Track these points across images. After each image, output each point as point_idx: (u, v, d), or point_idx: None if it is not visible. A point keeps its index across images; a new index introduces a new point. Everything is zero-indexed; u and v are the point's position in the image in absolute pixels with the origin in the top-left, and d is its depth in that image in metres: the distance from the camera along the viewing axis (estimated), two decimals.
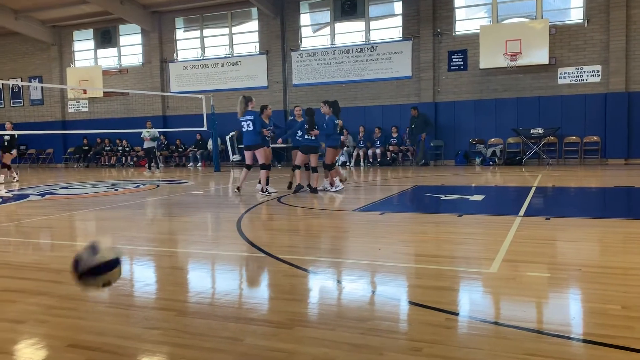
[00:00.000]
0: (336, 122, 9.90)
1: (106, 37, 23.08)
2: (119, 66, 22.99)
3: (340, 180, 10.35)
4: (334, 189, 10.11)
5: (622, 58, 15.80)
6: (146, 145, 17.42)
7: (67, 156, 23.79)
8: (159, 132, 18.01)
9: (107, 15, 21.33)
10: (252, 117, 9.76)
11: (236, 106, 9.95)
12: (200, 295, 3.91)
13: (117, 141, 22.63)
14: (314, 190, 9.96)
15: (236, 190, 10.08)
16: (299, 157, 10.08)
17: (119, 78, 22.84)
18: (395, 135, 18.08)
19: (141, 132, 17.36)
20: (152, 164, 17.35)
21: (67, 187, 12.95)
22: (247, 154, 9.99)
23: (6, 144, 14.21)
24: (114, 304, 3.74)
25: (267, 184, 9.88)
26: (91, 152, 23.05)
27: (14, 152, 14.49)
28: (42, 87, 24.24)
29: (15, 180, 14.19)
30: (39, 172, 20.01)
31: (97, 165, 22.84)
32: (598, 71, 16.23)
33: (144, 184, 13.17)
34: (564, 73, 16.55)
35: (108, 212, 8.41)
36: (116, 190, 12.13)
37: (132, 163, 21.96)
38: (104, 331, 3.17)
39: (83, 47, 23.78)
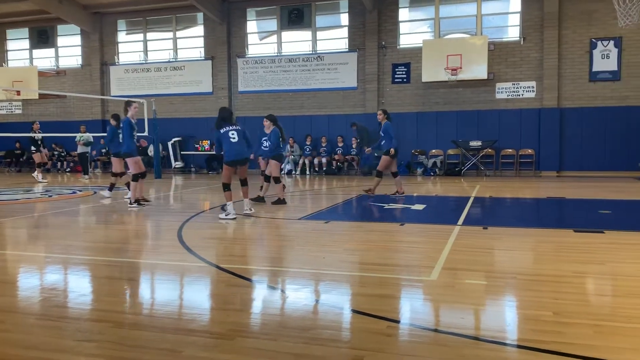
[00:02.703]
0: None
1: (43, 37, 22.14)
2: (56, 67, 22.11)
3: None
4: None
5: (555, 75, 16.64)
6: (80, 150, 16.83)
7: None
8: (93, 136, 17.37)
9: (44, 14, 20.50)
10: (122, 124, 9.43)
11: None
12: (139, 306, 3.78)
13: (53, 145, 21.70)
14: (260, 199, 9.66)
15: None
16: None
17: (56, 80, 21.94)
18: (341, 144, 18.24)
19: (75, 137, 16.76)
20: (90, 169, 16.76)
21: None
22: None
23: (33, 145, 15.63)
24: (45, 315, 3.57)
25: (139, 196, 9.41)
26: (24, 157, 21.96)
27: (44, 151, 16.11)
28: None
29: None
30: None
31: (30, 170, 21.77)
32: (533, 87, 17.01)
33: (80, 190, 12.66)
34: (502, 88, 17.24)
35: (41, 220, 8.03)
36: (50, 196, 11.61)
37: (68, 169, 21.10)
38: (34, 345, 3.02)
39: (17, 46, 22.71)
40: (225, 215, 7.86)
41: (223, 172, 8.20)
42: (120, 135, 9.55)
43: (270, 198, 9.76)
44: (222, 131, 7.98)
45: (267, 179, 9.89)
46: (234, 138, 7.95)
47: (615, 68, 16.20)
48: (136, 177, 9.27)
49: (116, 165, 10.33)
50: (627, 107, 16.15)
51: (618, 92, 16.26)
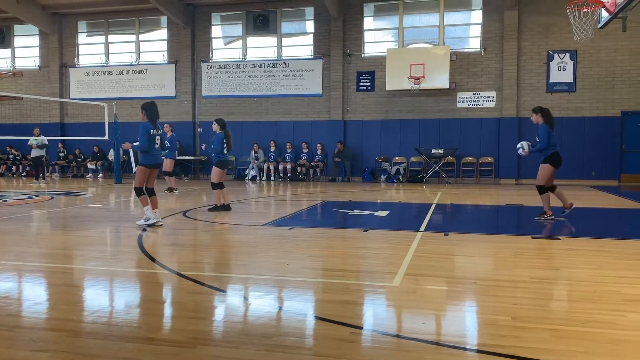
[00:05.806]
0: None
1: None
2: (12, 68, 21.42)
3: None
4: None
5: (514, 86, 17.11)
6: (34, 153, 16.23)
7: None
8: (48, 139, 16.83)
9: (0, 14, 19.85)
10: None
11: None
12: (96, 314, 3.68)
13: (8, 149, 20.99)
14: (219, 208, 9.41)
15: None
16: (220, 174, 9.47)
17: (12, 81, 21.26)
18: (305, 150, 18.27)
19: (28, 140, 16.22)
20: (40, 174, 16.20)
21: None
22: None
23: None
24: None
25: None
26: None
27: None
28: None
29: None
30: None
31: None
32: (493, 97, 17.43)
33: (36, 195, 12.28)
34: (463, 97, 17.61)
35: None
36: (5, 201, 11.21)
37: (24, 173, 20.42)
38: None
39: None
40: (145, 221, 7.51)
41: (138, 176, 7.59)
42: None
43: (232, 204, 9.65)
44: (151, 132, 7.56)
45: (215, 186, 9.46)
46: (157, 144, 7.74)
47: (570, 80, 16.78)
48: None
49: None
50: (582, 117, 16.73)
51: (573, 104, 16.84)
